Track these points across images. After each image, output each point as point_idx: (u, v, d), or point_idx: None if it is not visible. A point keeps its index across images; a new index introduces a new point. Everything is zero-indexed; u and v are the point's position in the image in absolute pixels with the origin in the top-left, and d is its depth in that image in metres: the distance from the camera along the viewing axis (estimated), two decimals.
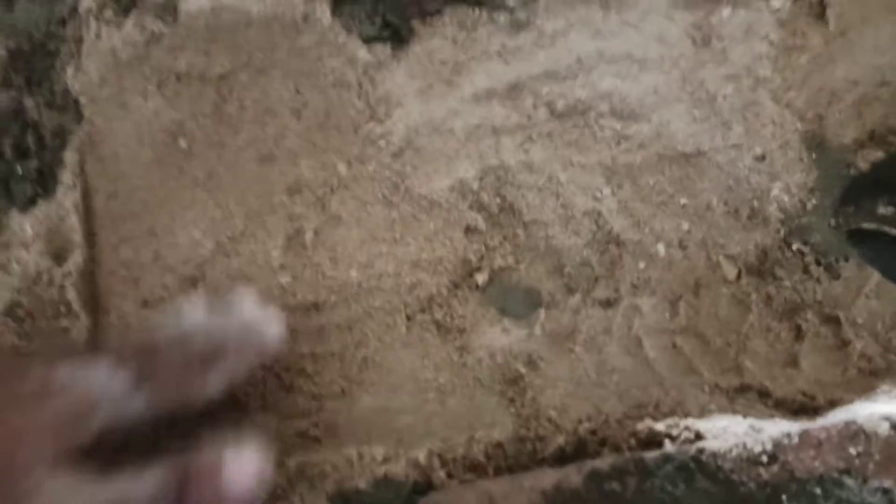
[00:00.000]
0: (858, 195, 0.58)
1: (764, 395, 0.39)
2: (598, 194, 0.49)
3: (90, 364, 0.31)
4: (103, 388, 0.31)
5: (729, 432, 0.33)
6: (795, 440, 0.32)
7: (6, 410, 0.29)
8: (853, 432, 0.32)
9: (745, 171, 0.50)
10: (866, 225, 0.59)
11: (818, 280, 0.48)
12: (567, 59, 0.47)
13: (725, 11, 0.49)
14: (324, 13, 0.48)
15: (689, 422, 0.33)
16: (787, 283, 0.48)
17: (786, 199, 0.51)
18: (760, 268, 0.49)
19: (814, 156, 0.52)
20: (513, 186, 0.47)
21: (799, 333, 0.44)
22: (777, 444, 0.32)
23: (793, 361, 0.42)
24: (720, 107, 0.50)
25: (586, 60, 0.47)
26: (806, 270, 0.49)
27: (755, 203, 0.50)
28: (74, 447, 0.30)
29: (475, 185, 0.47)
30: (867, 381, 0.39)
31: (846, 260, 0.50)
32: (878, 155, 0.53)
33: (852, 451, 0.31)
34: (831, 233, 0.51)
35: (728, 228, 0.50)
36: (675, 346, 0.44)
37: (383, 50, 0.46)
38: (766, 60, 0.50)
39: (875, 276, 0.49)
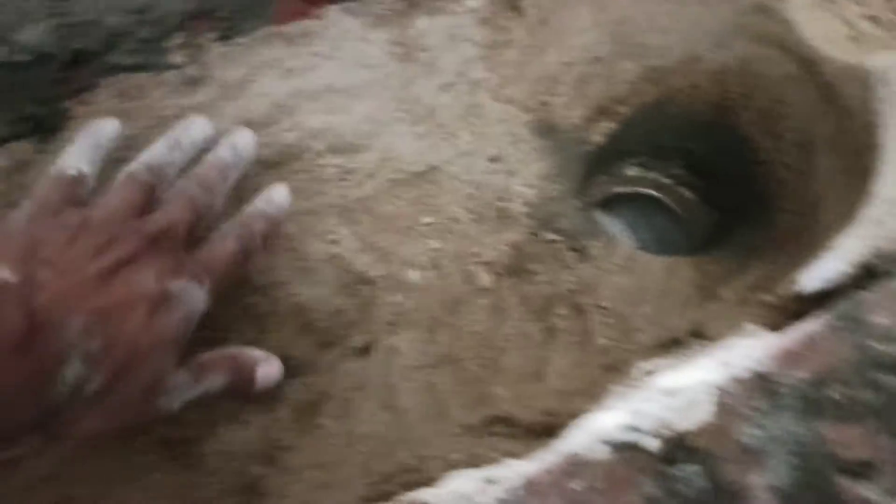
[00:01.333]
0: (605, 166, 0.59)
1: (511, 423, 0.38)
2: (335, 236, 0.46)
3: (183, 275, 0.35)
4: (195, 298, 0.36)
5: (459, 494, 0.31)
6: (521, 493, 0.30)
7: (140, 314, 0.33)
8: (574, 467, 0.31)
9: (482, 174, 0.49)
10: (619, 189, 0.60)
11: (570, 266, 0.48)
12: (262, 105, 0.44)
13: (422, 22, 0.48)
14: None
15: (418, 494, 0.31)
16: (542, 276, 0.47)
17: (528, 192, 0.50)
18: (516, 267, 0.48)
19: (547, 142, 0.52)
20: None
21: (551, 333, 0.43)
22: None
23: (540, 373, 0.40)
24: (442, 118, 0.49)
25: (285, 103, 0.45)
26: (558, 258, 0.48)
27: (499, 203, 0.49)
28: (183, 351, 0.36)
29: None
30: (606, 377, 0.38)
31: (596, 238, 0.50)
32: (611, 126, 0.54)
33: (576, 487, 0.30)
34: (578, 215, 0.50)
35: (478, 235, 0.48)
36: (430, 385, 0.41)
37: (23, 148, 0.41)
38: (477, 61, 0.50)
39: (623, 250, 0.49)
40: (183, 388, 0.35)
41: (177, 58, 0.43)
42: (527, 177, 0.50)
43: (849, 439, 0.31)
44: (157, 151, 0.39)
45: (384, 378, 0.43)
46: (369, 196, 0.47)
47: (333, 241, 0.46)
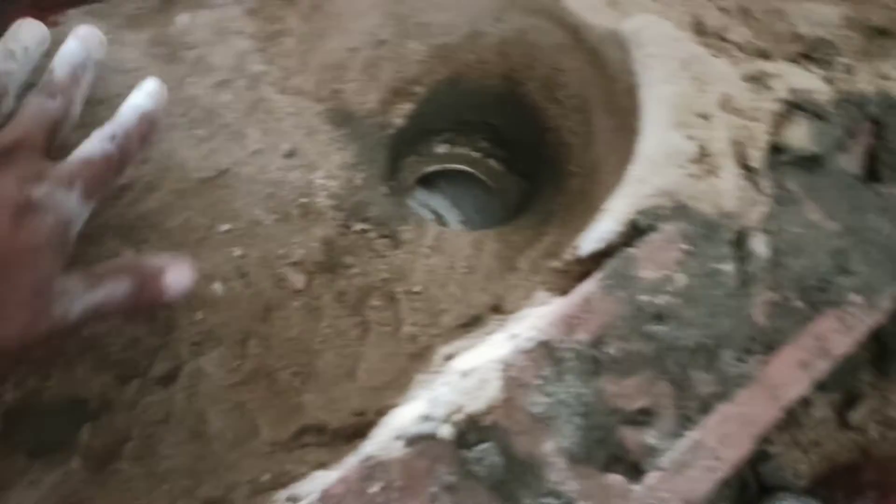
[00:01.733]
0: (412, 146, 0.59)
1: (321, 431, 0.37)
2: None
3: (49, 181, 0.34)
4: (68, 203, 0.35)
5: None
6: None
7: (6, 221, 0.32)
8: (370, 470, 0.30)
9: (280, 172, 0.47)
10: (431, 168, 0.60)
11: (383, 255, 0.47)
12: None
13: (182, 18, 0.44)
14: None
15: None
16: (355, 268, 0.46)
17: (332, 184, 0.48)
18: (328, 262, 0.46)
19: (345, 131, 0.50)
20: None
21: (365, 327, 0.43)
22: None
23: (353, 372, 0.40)
24: (224, 118, 0.46)
25: None
26: (370, 248, 0.48)
27: (302, 199, 0.47)
28: (67, 257, 0.35)
29: None
30: (414, 366, 0.38)
31: (406, 223, 0.49)
32: (409, 107, 0.53)
33: (374, 490, 0.30)
34: (386, 201, 0.50)
35: (284, 236, 0.46)
36: (240, 404, 0.39)
37: None
38: (253, 54, 0.47)
39: (433, 230, 0.49)
40: (77, 294, 0.34)
41: None
42: (328, 168, 0.49)
43: (628, 391, 0.33)
44: None
45: (190, 405, 0.41)
46: (153, 211, 0.43)
47: None
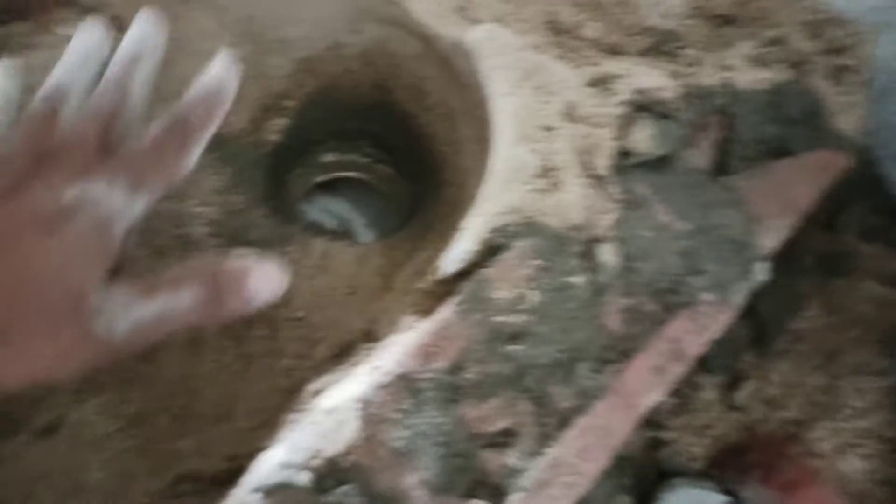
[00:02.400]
0: (296, 159, 0.57)
1: (196, 478, 0.37)
2: None
3: (86, 179, 0.31)
4: (108, 200, 0.31)
5: None
6: None
7: (31, 236, 0.30)
8: None
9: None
10: (320, 178, 0.59)
11: None
12: None
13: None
14: None
15: None
16: None
17: (207, 211, 0.47)
18: None
19: (216, 155, 0.49)
20: None
21: (247, 360, 0.42)
22: None
23: (230, 412, 0.39)
24: None
25: None
26: None
27: (177, 231, 0.46)
28: (110, 263, 0.31)
29: None
30: (287, 403, 0.38)
31: (290, 243, 0.49)
32: (283, 122, 0.52)
33: None
34: (268, 221, 0.49)
35: (164, 271, 0.46)
36: (119, 453, 0.39)
37: None
38: None
39: (319, 248, 0.48)
40: (125, 306, 0.30)
41: None
42: (202, 196, 0.47)
43: (488, 414, 0.33)
44: (51, 78, 0.35)
45: (72, 457, 0.40)
46: None
47: None
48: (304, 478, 0.31)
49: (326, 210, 0.62)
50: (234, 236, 0.48)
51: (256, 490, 0.30)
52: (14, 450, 0.40)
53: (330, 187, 0.62)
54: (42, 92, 0.35)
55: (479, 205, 0.37)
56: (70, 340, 0.30)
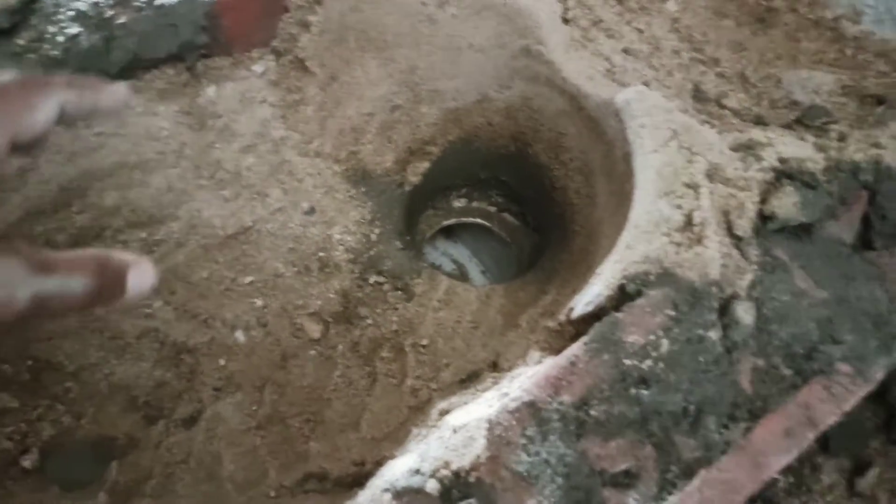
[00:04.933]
0: (429, 201, 0.61)
1: (323, 478, 0.39)
2: (149, 310, 0.46)
3: None
4: None
5: None
6: None
7: None
8: None
9: (300, 228, 0.50)
10: (448, 222, 0.63)
11: (395, 307, 0.50)
12: (47, 192, 0.44)
13: (210, 90, 0.49)
14: None
15: None
16: (369, 319, 0.49)
17: (349, 239, 0.51)
18: (344, 313, 0.49)
19: (362, 189, 0.53)
20: (38, 343, 0.43)
21: (373, 378, 0.45)
22: None
23: (357, 422, 0.42)
24: (249, 178, 0.50)
25: (73, 185, 0.44)
26: (384, 300, 0.50)
27: (321, 254, 0.51)
28: None
29: None
30: (413, 418, 0.40)
31: (419, 276, 0.52)
32: (424, 166, 0.56)
33: None
34: (401, 254, 0.52)
35: (303, 287, 0.49)
36: (253, 448, 0.42)
37: None
38: (275, 121, 0.51)
39: (444, 284, 0.51)
40: (23, 279, 0.30)
41: None
42: (346, 224, 0.52)
43: (611, 452, 0.34)
44: None
45: (208, 447, 0.44)
46: (181, 264, 0.47)
47: (147, 315, 0.46)
48: (432, 486, 0.32)
49: (446, 253, 0.66)
50: (369, 264, 0.52)
51: (387, 490, 0.32)
52: (157, 435, 0.44)
53: (451, 232, 0.66)
54: None
55: (616, 252, 0.39)
56: None
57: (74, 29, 0.45)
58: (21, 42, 0.45)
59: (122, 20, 0.45)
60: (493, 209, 0.61)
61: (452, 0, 0.48)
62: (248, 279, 0.49)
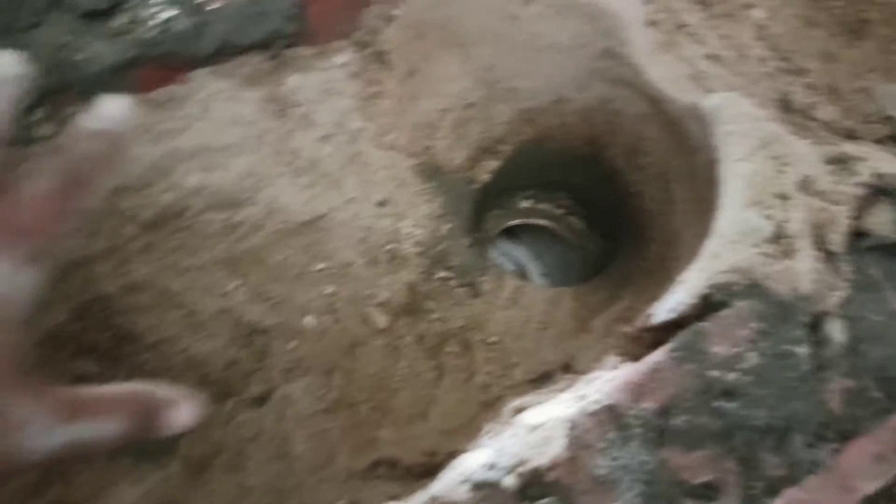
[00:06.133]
0: (497, 200, 0.61)
1: (394, 466, 0.39)
2: (224, 289, 0.47)
3: None
4: (8, 282, 0.27)
5: None
6: None
7: None
8: None
9: (371, 219, 0.51)
10: (513, 222, 0.63)
11: (462, 303, 0.50)
12: (135, 169, 0.45)
13: (293, 79, 0.49)
14: None
15: None
16: (435, 314, 0.49)
17: (418, 232, 0.52)
18: (411, 306, 0.50)
19: (433, 184, 0.53)
20: (121, 314, 0.45)
21: (440, 371, 0.45)
22: None
23: (426, 413, 0.42)
24: (325, 168, 0.50)
25: (160, 164, 0.45)
26: (451, 295, 0.50)
27: (391, 245, 0.51)
28: (16, 358, 0.27)
29: (74, 328, 0.44)
30: (483, 414, 0.40)
31: (486, 273, 0.52)
32: (495, 164, 0.56)
33: None
34: (469, 251, 0.52)
35: (372, 278, 0.50)
36: (322, 431, 0.43)
37: None
38: (354, 112, 0.51)
39: (511, 283, 0.51)
40: (47, 428, 0.27)
41: (43, 130, 0.43)
42: (416, 218, 0.52)
43: (693, 464, 0.33)
44: None
45: (278, 427, 0.44)
46: (257, 247, 0.48)
47: (223, 295, 0.47)
48: (510, 481, 0.32)
49: (508, 254, 0.65)
50: (437, 259, 0.52)
51: (465, 482, 0.32)
52: (229, 412, 0.45)
53: (513, 233, 0.66)
54: None
55: (701, 261, 0.38)
56: None
57: (168, 13, 0.46)
58: (117, 24, 0.46)
59: (214, 6, 0.46)
60: (559, 211, 0.60)
61: None
62: (320, 266, 0.49)
